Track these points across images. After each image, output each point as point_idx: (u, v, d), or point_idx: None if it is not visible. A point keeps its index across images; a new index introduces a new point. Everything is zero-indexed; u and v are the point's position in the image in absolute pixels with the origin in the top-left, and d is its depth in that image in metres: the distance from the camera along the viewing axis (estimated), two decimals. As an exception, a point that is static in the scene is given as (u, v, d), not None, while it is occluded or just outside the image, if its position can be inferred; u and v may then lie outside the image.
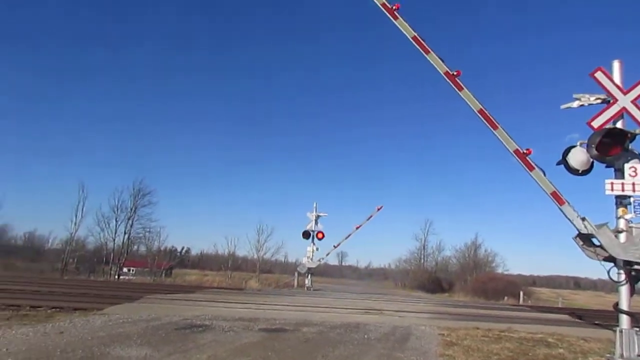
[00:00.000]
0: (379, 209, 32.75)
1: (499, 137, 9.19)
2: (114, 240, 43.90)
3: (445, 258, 76.71)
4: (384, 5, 11.20)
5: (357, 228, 32.05)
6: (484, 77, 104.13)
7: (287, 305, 14.47)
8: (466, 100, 9.69)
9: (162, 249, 50.16)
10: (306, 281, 30.08)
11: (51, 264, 44.94)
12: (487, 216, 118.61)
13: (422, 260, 77.41)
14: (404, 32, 11.07)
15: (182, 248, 77.93)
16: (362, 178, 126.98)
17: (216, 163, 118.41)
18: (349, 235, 32.15)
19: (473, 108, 9.64)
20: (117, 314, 10.24)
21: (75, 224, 42.76)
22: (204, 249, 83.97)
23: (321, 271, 52.05)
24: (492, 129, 9.34)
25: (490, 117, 9.48)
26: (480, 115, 9.43)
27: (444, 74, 10.13)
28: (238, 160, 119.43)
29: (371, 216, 32.58)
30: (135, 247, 48.17)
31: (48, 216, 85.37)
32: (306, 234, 29.77)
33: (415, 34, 10.88)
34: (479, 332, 10.22)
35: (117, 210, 44.44)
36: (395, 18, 11.29)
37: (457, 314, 14.93)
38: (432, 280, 67.49)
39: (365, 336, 8.94)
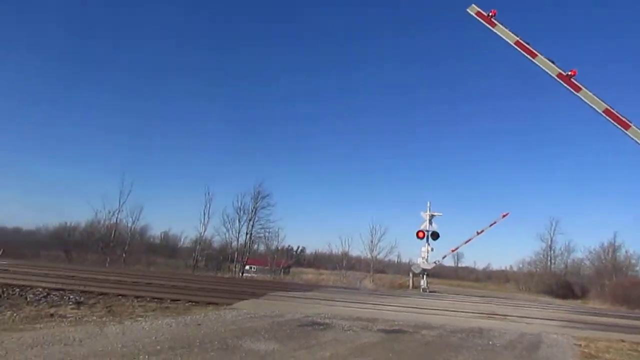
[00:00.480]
0: (504, 216, 31.05)
1: (633, 137, 8.17)
2: (237, 239, 47.19)
3: (577, 260, 69.65)
4: (478, 14, 10.62)
5: (479, 233, 30.80)
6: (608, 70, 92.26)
7: (404, 307, 14.32)
8: (586, 101, 8.75)
9: (280, 248, 52.72)
10: (422, 282, 29.57)
11: (184, 261, 49.81)
12: (628, 214, 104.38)
13: (549, 263, 71.39)
14: (505, 38, 10.35)
15: (298, 247, 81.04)
16: (479, 177, 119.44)
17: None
18: (469, 240, 31.10)
19: (597, 109, 8.70)
20: (244, 309, 11.02)
21: (203, 224, 46.87)
22: (318, 248, 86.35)
23: (436, 272, 50.54)
24: (622, 129, 8.33)
25: (619, 115, 8.46)
26: (606, 116, 8.47)
27: (557, 76, 9.30)
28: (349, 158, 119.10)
29: (495, 222, 31.03)
30: (256, 246, 51.24)
31: (181, 217, 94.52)
32: (420, 234, 29.25)
33: (518, 39, 10.16)
34: (624, 345, 9.11)
35: (240, 211, 47.64)
36: (493, 25, 10.62)
37: (595, 323, 13.46)
38: (561, 284, 61.66)
39: (490, 342, 8.49)
